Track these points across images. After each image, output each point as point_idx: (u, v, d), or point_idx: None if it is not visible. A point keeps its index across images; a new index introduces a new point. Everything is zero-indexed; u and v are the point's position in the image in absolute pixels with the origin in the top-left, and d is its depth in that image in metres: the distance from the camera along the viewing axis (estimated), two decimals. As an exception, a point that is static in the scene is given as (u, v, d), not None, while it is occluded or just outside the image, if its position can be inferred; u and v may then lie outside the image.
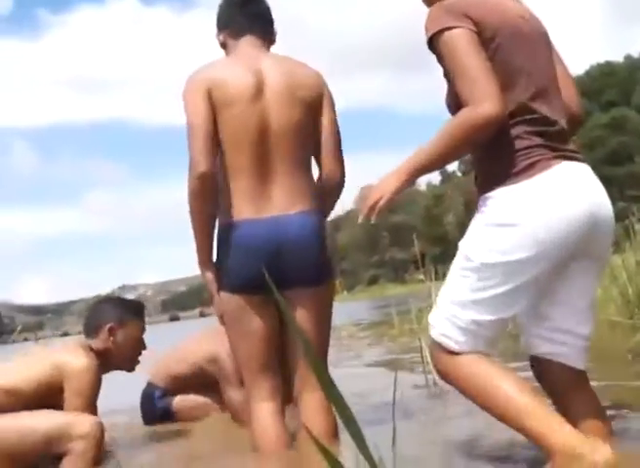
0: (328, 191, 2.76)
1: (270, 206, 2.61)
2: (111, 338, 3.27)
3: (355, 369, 5.37)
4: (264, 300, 2.65)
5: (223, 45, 2.84)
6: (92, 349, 3.21)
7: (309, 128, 2.70)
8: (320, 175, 2.76)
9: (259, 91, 2.63)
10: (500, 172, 2.00)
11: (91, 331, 3.29)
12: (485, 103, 1.91)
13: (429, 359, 2.30)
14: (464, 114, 1.94)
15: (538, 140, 2.02)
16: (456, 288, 2.07)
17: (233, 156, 2.62)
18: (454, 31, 1.99)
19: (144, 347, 3.42)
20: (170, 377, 3.85)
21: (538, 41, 2.13)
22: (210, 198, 2.58)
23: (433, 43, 2.03)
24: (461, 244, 2.08)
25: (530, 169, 1.98)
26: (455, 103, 2.05)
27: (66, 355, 3.08)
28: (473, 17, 2.01)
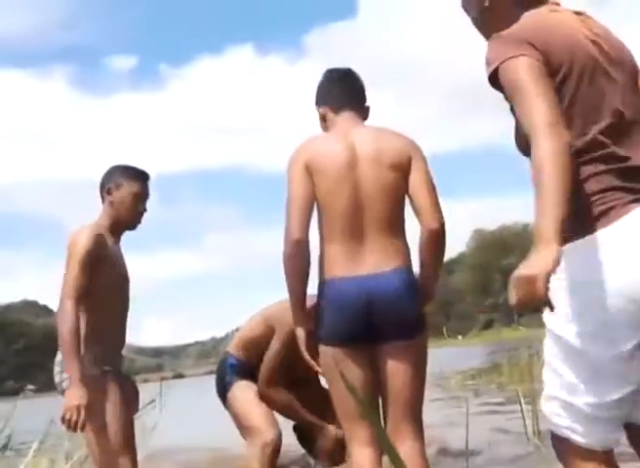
0: (429, 241, 2.86)
1: (363, 265, 2.79)
2: (109, 198, 3.46)
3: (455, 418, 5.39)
4: (359, 352, 2.80)
5: (324, 117, 3.07)
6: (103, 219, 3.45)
7: (399, 190, 2.87)
8: (421, 228, 2.88)
9: (351, 161, 2.85)
10: (570, 220, 1.73)
11: (101, 197, 3.53)
12: (546, 135, 1.75)
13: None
14: (538, 152, 1.75)
15: (612, 182, 1.82)
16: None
17: (329, 221, 2.84)
18: (517, 60, 1.85)
19: (143, 207, 3.50)
20: (242, 342, 4.30)
21: (615, 66, 1.95)
22: (303, 261, 2.80)
23: (496, 77, 1.89)
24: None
25: (604, 215, 1.80)
26: (526, 141, 1.86)
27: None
28: (537, 44, 1.87)
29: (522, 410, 3.93)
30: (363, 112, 3.10)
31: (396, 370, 2.80)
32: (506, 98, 1.91)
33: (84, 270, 3.20)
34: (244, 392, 4.16)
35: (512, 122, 2.00)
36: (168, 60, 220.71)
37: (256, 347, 4.18)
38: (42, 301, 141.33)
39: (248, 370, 4.24)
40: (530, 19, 1.98)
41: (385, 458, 2.81)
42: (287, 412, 4.23)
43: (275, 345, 4.01)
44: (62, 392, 3.14)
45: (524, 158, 1.94)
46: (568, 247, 1.76)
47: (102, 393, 3.16)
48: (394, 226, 2.88)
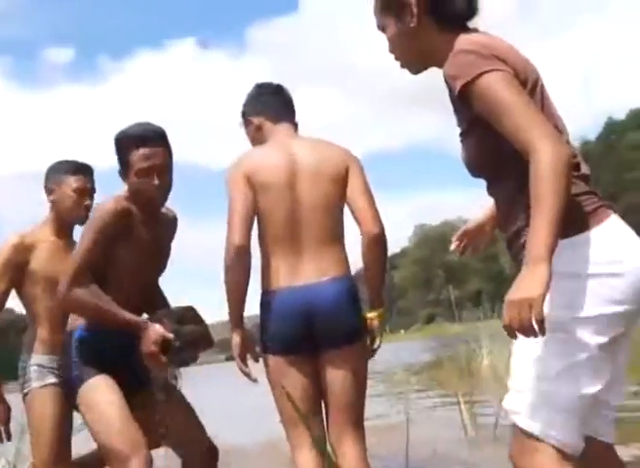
0: (371, 247, 2.91)
1: (303, 275, 2.85)
2: (50, 198, 3.46)
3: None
4: (301, 361, 2.86)
5: (259, 127, 3.10)
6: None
7: (338, 201, 2.94)
8: (362, 234, 2.92)
9: (292, 175, 2.90)
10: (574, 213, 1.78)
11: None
12: (554, 140, 1.73)
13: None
14: (539, 162, 1.71)
15: (586, 187, 1.86)
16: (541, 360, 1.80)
17: (270, 233, 2.89)
18: (491, 74, 1.80)
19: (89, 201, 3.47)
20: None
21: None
22: (243, 270, 2.82)
23: (467, 91, 1.83)
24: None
25: (595, 215, 1.83)
26: (480, 161, 1.92)
27: None
28: (507, 60, 1.85)
29: (460, 409, 4.01)
30: (296, 126, 3.15)
31: (337, 377, 2.86)
32: (475, 108, 1.84)
33: None
34: (104, 392, 2.91)
35: (454, 129, 1.98)
36: (107, 53, 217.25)
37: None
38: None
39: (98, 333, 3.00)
40: (478, 38, 1.94)
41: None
42: (99, 313, 2.88)
43: (85, 235, 2.94)
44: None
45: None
46: (564, 242, 1.75)
47: None
48: (333, 237, 2.94)
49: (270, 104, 3.12)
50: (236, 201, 2.86)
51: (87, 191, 3.47)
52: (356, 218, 2.94)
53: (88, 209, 3.44)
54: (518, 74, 1.84)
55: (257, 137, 3.12)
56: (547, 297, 1.67)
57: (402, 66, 2.13)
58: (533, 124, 1.74)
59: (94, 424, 2.86)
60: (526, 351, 1.81)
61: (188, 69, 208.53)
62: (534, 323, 1.64)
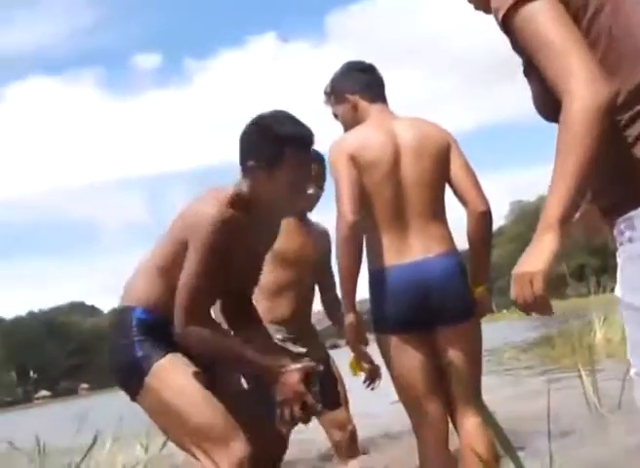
0: (477, 224, 2.95)
1: (411, 252, 2.88)
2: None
3: (514, 392, 5.36)
4: (416, 338, 2.88)
5: (354, 107, 3.10)
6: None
7: (440, 179, 2.98)
8: (468, 210, 2.96)
9: (395, 153, 2.93)
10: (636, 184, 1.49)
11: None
12: (590, 83, 1.43)
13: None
14: (570, 109, 1.43)
15: None
16: None
17: (375, 212, 2.93)
18: (531, 4, 1.50)
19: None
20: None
21: None
22: (358, 244, 2.87)
23: (507, 24, 1.55)
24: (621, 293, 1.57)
25: None
26: (548, 101, 1.55)
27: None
28: None
29: (582, 383, 3.88)
30: (388, 105, 3.15)
31: (457, 353, 2.90)
32: (518, 47, 1.57)
33: None
34: (181, 371, 2.61)
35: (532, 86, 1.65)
36: (192, 55, 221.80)
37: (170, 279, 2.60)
38: (88, 302, 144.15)
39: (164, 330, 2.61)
40: None
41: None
42: (223, 354, 2.60)
43: (193, 255, 2.48)
44: None
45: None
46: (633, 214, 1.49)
47: None
48: (436, 213, 2.97)
49: (365, 83, 3.12)
50: (343, 180, 2.87)
51: (312, 180, 3.53)
52: (461, 197, 2.96)
53: (312, 198, 3.77)
54: (569, 1, 1.53)
55: (351, 116, 3.11)
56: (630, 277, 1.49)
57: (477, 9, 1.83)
58: (567, 64, 1.44)
59: (180, 408, 2.51)
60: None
61: (271, 63, 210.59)
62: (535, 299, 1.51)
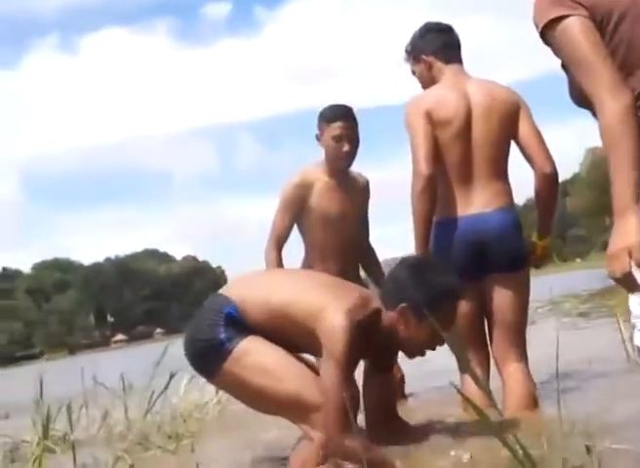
0: (543, 185, 3.18)
1: (474, 205, 3.14)
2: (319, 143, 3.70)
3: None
4: (470, 285, 3.09)
5: (430, 66, 3.31)
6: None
7: (507, 139, 3.20)
8: (535, 170, 3.19)
9: (467, 114, 3.16)
10: None
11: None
12: (608, 100, 1.77)
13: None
14: (603, 117, 1.78)
15: None
16: None
17: (446, 166, 3.16)
18: (564, 22, 1.83)
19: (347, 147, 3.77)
20: (266, 308, 2.76)
21: None
22: (433, 196, 3.10)
23: (546, 37, 1.89)
24: None
25: None
26: (581, 95, 1.88)
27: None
28: (583, 1, 1.84)
29: (620, 330, 4.06)
30: (463, 64, 3.34)
31: (501, 300, 3.15)
32: (557, 55, 1.91)
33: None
34: (265, 348, 2.69)
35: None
36: (262, 3, 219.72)
37: (277, 327, 2.71)
38: (162, 249, 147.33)
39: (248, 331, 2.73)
40: None
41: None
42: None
43: (332, 370, 2.51)
44: None
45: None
46: None
47: None
48: (500, 171, 3.21)
49: (441, 44, 3.31)
50: (419, 135, 3.10)
51: (345, 138, 3.75)
52: (529, 158, 3.18)
53: (347, 155, 3.77)
54: (595, 12, 1.83)
55: (427, 76, 3.33)
56: None
57: None
58: (595, 77, 1.78)
59: (264, 383, 2.60)
60: None
61: (340, 13, 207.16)
62: (634, 270, 1.66)
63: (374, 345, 2.68)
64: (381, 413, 2.85)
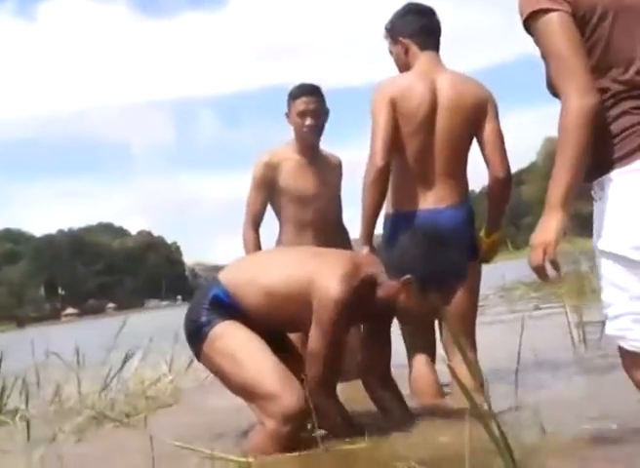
0: (495, 188, 3.25)
1: (429, 201, 3.17)
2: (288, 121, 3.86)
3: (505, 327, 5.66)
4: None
5: (406, 50, 3.30)
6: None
7: (468, 138, 3.23)
8: (489, 172, 3.24)
9: (432, 108, 3.16)
10: (610, 152, 1.88)
11: None
12: (574, 98, 1.85)
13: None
14: (565, 114, 1.87)
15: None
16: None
17: (405, 157, 3.18)
18: (547, 16, 1.89)
19: (310, 122, 3.88)
20: (258, 289, 2.80)
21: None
22: (382, 187, 3.12)
23: (529, 26, 1.95)
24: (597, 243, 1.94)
25: None
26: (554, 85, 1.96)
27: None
28: None
29: (568, 321, 4.19)
30: (439, 51, 3.34)
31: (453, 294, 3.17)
32: (537, 44, 1.96)
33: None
34: (237, 334, 2.77)
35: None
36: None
37: (273, 306, 2.77)
38: (117, 223, 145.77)
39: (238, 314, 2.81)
40: None
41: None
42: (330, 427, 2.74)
43: (319, 333, 2.64)
44: None
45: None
46: (611, 174, 1.88)
47: None
48: (459, 166, 3.26)
49: (419, 28, 3.29)
50: (380, 125, 3.12)
51: (308, 113, 3.79)
52: (486, 159, 3.23)
53: (311, 128, 3.80)
54: (578, 7, 1.89)
55: (403, 59, 3.32)
56: (617, 227, 1.85)
57: None
58: (567, 74, 1.87)
59: (229, 368, 2.71)
60: (611, 280, 1.91)
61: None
62: (547, 264, 1.88)
63: (368, 311, 2.74)
64: (377, 378, 2.94)
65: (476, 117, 3.19)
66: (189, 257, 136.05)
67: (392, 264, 2.73)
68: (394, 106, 3.13)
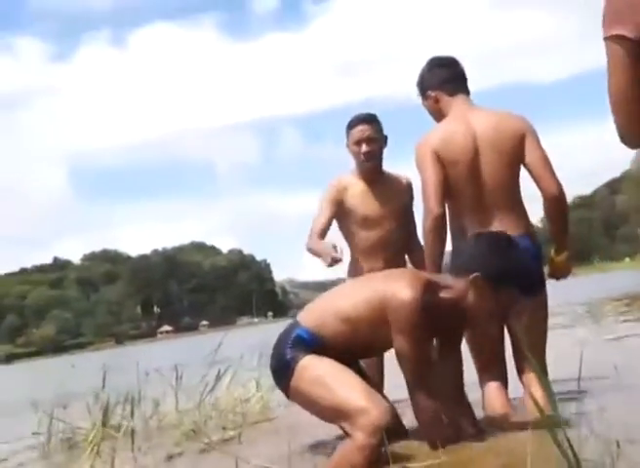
0: (552, 206, 3.33)
1: None
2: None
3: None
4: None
5: (436, 100, 3.50)
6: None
7: (516, 168, 3.35)
8: (542, 193, 3.34)
9: (474, 148, 3.32)
10: None
11: None
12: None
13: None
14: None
15: None
16: None
17: (459, 202, 3.36)
18: (618, 44, 1.84)
19: (365, 149, 3.90)
20: (335, 318, 3.02)
21: None
22: (443, 234, 3.29)
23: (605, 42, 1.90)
24: None
25: None
26: None
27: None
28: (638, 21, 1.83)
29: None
30: (469, 93, 3.51)
31: (523, 322, 3.32)
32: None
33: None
34: (320, 363, 2.97)
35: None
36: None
37: (353, 331, 2.98)
38: (209, 242, 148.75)
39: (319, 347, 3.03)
40: None
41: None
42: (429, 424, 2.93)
43: (402, 339, 2.83)
44: None
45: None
46: None
47: None
48: (513, 200, 3.39)
49: (445, 78, 3.49)
50: (430, 176, 3.30)
51: (364, 140, 3.92)
52: (537, 183, 3.34)
53: (368, 155, 3.92)
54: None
55: (435, 109, 3.53)
56: None
57: None
58: (614, 108, 1.89)
59: (318, 393, 2.90)
60: None
61: (389, 7, 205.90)
62: None
63: (440, 321, 2.88)
64: (451, 393, 3.07)
65: (517, 148, 3.31)
66: (279, 274, 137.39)
67: (460, 266, 2.89)
68: (438, 156, 3.29)
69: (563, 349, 3.64)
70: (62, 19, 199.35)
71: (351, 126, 3.95)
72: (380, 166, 4.02)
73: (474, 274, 2.80)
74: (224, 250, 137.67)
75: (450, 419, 3.02)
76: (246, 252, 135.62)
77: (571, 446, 1.81)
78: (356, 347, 3.02)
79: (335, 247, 3.49)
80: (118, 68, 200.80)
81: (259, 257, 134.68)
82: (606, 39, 1.87)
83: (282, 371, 3.02)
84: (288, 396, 3.10)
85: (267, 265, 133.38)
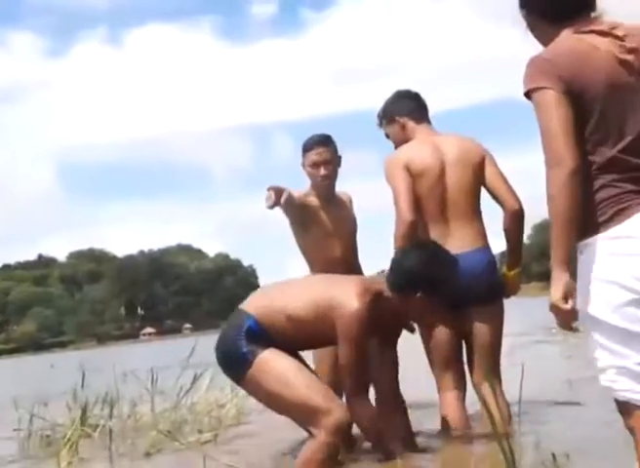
0: (512, 221, 3.56)
1: (452, 247, 3.41)
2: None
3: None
4: (451, 314, 3.49)
5: (403, 127, 3.73)
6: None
7: (477, 185, 3.59)
8: (504, 209, 3.56)
9: (441, 165, 3.55)
10: (590, 219, 2.05)
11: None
12: (554, 167, 2.03)
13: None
14: (548, 184, 2.05)
15: (629, 187, 2.05)
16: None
17: (424, 213, 3.54)
18: (544, 92, 2.06)
19: (324, 172, 3.91)
20: (281, 314, 3.20)
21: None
22: (411, 241, 3.39)
23: (529, 97, 2.12)
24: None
25: (618, 214, 2.03)
26: None
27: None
28: (564, 76, 2.06)
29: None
30: (430, 123, 3.78)
31: (480, 328, 3.55)
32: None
33: None
34: (281, 359, 3.14)
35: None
36: (307, 5, 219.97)
37: (297, 329, 3.18)
38: (196, 245, 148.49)
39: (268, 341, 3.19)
40: (561, 46, 2.14)
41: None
42: (369, 428, 3.17)
43: (347, 347, 3.04)
44: None
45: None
46: (584, 243, 2.07)
47: None
48: (474, 214, 3.60)
49: (412, 107, 3.76)
50: (400, 186, 3.50)
51: (321, 163, 3.93)
52: (497, 199, 3.58)
53: (325, 177, 3.95)
54: (575, 88, 2.06)
55: (400, 134, 3.75)
56: (591, 295, 2.04)
57: None
58: (549, 147, 2.06)
59: (279, 389, 3.06)
60: (595, 339, 2.06)
61: (386, 16, 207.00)
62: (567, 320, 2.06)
63: (381, 323, 3.13)
64: (386, 387, 3.32)
65: (479, 166, 3.56)
66: (265, 279, 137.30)
67: (393, 283, 3.14)
68: (408, 170, 3.50)
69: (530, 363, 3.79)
70: (58, 16, 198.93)
71: (308, 148, 3.98)
72: (334, 186, 4.08)
73: (418, 295, 3.07)
74: (211, 253, 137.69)
75: (386, 426, 3.19)
76: (233, 256, 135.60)
77: (512, 456, 1.97)
78: (298, 343, 3.22)
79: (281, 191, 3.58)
80: (113, 67, 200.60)
81: (245, 262, 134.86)
82: (532, 90, 2.09)
83: (237, 362, 3.14)
84: (238, 384, 3.29)
85: (254, 270, 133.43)
